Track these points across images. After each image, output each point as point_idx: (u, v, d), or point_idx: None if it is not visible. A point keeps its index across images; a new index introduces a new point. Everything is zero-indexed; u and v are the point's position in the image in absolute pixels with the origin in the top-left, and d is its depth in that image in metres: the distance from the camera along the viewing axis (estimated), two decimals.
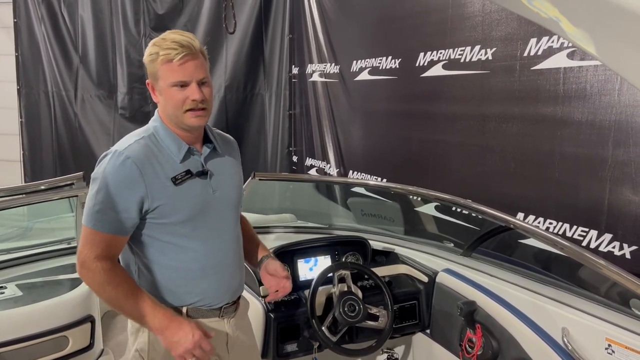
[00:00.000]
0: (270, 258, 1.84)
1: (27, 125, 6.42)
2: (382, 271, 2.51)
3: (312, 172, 6.20)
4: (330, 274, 2.25)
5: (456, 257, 2.45)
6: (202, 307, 1.62)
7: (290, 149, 6.64)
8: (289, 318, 2.21)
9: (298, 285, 2.36)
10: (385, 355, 2.59)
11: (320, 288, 2.25)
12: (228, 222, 1.67)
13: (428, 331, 2.46)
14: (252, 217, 3.46)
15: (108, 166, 1.50)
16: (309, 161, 6.27)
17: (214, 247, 1.62)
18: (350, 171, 5.46)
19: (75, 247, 2.63)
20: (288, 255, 2.39)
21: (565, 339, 1.82)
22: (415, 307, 2.43)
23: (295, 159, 6.59)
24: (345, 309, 2.16)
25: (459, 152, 3.98)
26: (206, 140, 1.66)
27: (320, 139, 5.99)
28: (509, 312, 2.03)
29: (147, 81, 1.61)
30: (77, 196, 2.24)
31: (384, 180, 4.86)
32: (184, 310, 1.60)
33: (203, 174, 1.59)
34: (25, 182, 6.51)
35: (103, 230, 1.48)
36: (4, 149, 6.50)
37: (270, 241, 2.77)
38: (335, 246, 2.50)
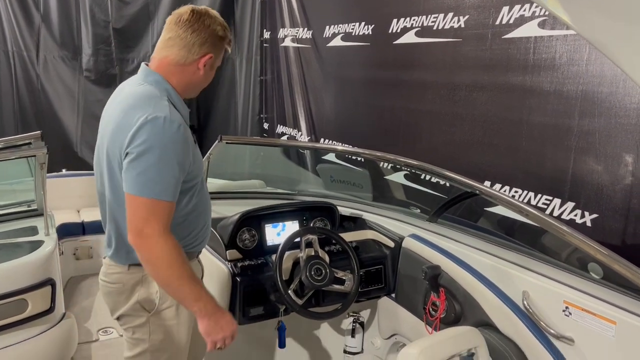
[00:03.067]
0: None
1: None
2: (349, 236, 2.52)
3: (284, 139, 6.16)
4: (298, 239, 2.24)
5: (422, 223, 2.47)
6: (191, 251, 1.71)
7: (261, 115, 6.56)
8: (255, 282, 2.20)
9: (265, 250, 2.36)
10: (350, 319, 2.62)
11: (287, 253, 2.24)
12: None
13: (393, 295, 2.49)
14: (220, 183, 3.45)
15: (166, 133, 1.47)
16: (280, 128, 6.22)
17: (206, 198, 1.76)
18: (322, 139, 5.44)
19: (35, 210, 2.56)
20: (255, 220, 2.37)
21: (525, 302, 1.87)
22: (381, 272, 2.45)
23: (266, 126, 6.52)
24: (312, 272, 2.16)
25: (430, 120, 4.00)
26: None
27: (291, 106, 5.93)
28: (472, 276, 2.07)
29: (208, 54, 1.61)
30: (34, 156, 2.17)
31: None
32: (196, 252, 1.76)
33: (194, 130, 1.77)
34: None
35: (167, 199, 1.48)
36: None
37: (238, 207, 2.75)
38: (303, 211, 2.49)
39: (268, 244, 2.39)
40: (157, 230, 1.46)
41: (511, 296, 1.95)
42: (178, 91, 1.62)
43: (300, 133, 5.79)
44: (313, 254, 2.24)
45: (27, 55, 6.02)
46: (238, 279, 2.17)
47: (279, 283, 2.11)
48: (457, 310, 2.13)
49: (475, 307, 2.05)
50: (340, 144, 5.11)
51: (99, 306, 3.35)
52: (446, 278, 2.16)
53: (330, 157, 3.78)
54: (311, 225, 2.49)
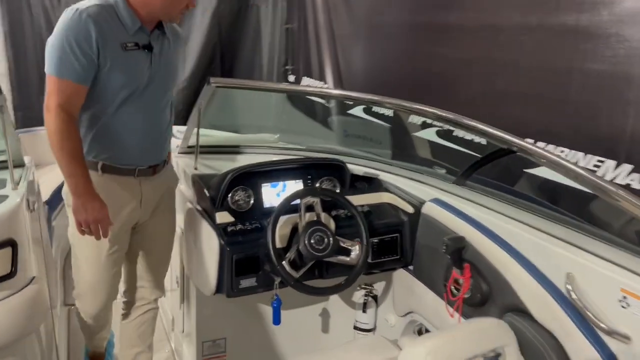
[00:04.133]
0: None
1: (10, 37, 5.94)
2: (361, 199, 2.18)
3: None
4: (297, 201, 1.91)
5: (448, 186, 2.09)
6: (117, 164, 1.82)
7: (287, 67, 6.15)
8: (247, 249, 1.90)
9: (262, 213, 2.04)
10: (362, 292, 2.31)
11: (285, 217, 1.92)
12: (157, 100, 1.85)
13: (411, 267, 2.15)
14: (224, 136, 3.14)
15: (67, 21, 1.64)
16: (305, 81, 5.82)
17: (139, 117, 1.80)
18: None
19: (3, 162, 2.30)
20: (251, 178, 2.05)
21: (569, 287, 1.50)
22: (397, 241, 2.11)
23: (291, 78, 6.12)
24: (312, 240, 1.84)
25: (468, 69, 3.53)
26: (159, 27, 1.83)
27: (317, 56, 5.51)
28: (504, 250, 1.70)
29: None
30: None
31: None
32: (100, 164, 1.81)
33: (149, 48, 1.78)
34: (13, 95, 6.13)
35: (64, 77, 1.64)
36: None
37: (239, 164, 2.44)
38: (309, 169, 2.15)
39: (265, 206, 2.07)
40: (54, 105, 1.63)
41: (552, 278, 1.57)
42: (136, 7, 1.73)
43: (326, 86, 5.39)
44: (315, 219, 1.91)
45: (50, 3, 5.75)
46: (226, 246, 1.87)
47: (271, 252, 1.80)
48: (484, 290, 1.77)
49: (506, 288, 1.69)
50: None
51: None
52: (472, 252, 1.80)
53: (350, 110, 3.36)
54: (317, 185, 2.15)
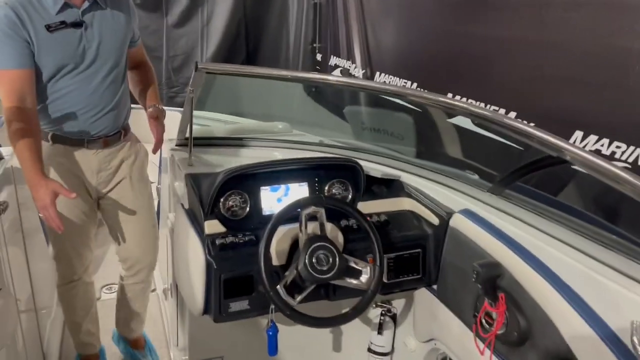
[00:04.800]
0: (154, 107, 2.00)
1: None
2: (379, 205, 1.86)
3: (337, 72, 5.43)
4: (298, 211, 1.61)
5: (482, 194, 1.74)
6: (66, 135, 1.90)
7: (314, 45, 5.80)
8: (238, 267, 1.61)
9: (259, 221, 1.75)
10: (378, 310, 2.01)
11: (285, 227, 1.62)
12: (101, 72, 1.88)
13: (435, 287, 1.83)
14: (230, 128, 2.84)
15: None
16: (333, 60, 5.48)
17: (80, 90, 1.85)
18: (378, 73, 4.68)
19: None
20: (247, 180, 1.75)
21: (635, 340, 1.16)
22: (418, 258, 1.78)
23: (319, 57, 5.78)
24: (314, 260, 1.54)
25: (510, 50, 3.13)
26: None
27: (346, 34, 5.16)
28: (549, 283, 1.36)
29: None
30: None
31: (414, 85, 4.07)
32: (50, 134, 1.89)
33: (78, 24, 1.79)
34: None
35: (4, 67, 1.71)
36: None
37: (242, 159, 2.15)
38: (317, 170, 1.84)
39: (264, 214, 1.77)
40: (5, 104, 1.72)
41: (612, 325, 1.23)
42: None
43: (354, 66, 5.04)
44: (319, 232, 1.61)
45: None
46: (214, 263, 1.59)
47: (263, 274, 1.50)
48: (522, 327, 1.44)
49: (550, 328, 1.36)
50: (397, 79, 4.33)
51: (110, 258, 2.93)
52: (509, 280, 1.47)
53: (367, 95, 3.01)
54: (326, 188, 1.84)
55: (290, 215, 1.59)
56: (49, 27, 1.73)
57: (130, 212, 2.07)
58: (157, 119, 1.97)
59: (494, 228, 1.57)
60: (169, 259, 2.33)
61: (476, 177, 1.82)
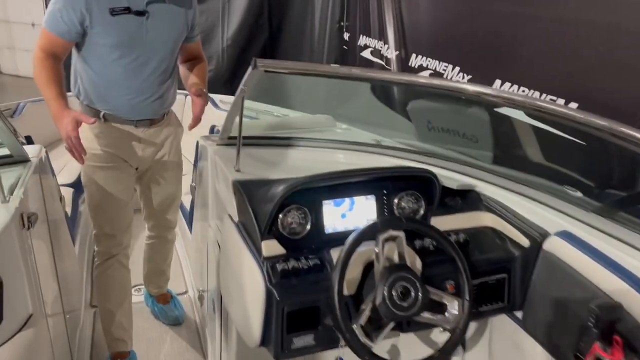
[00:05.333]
0: (198, 87, 2.07)
1: None
2: (454, 221, 1.63)
3: (366, 53, 5.14)
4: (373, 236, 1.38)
5: (585, 215, 1.50)
6: (117, 115, 2.03)
7: (342, 24, 5.49)
8: (303, 296, 1.39)
9: (322, 240, 1.53)
10: (446, 334, 1.79)
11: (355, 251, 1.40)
12: (152, 62, 1.97)
13: (519, 315, 1.61)
14: (271, 121, 2.60)
15: None
16: (362, 40, 5.17)
17: (133, 75, 1.96)
18: (414, 55, 4.38)
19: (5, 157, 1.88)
20: (307, 192, 1.52)
21: None
22: (503, 284, 1.55)
23: (346, 36, 5.47)
24: (393, 293, 1.31)
25: (571, 33, 2.84)
26: None
27: (377, 11, 4.85)
28: None
29: None
30: None
31: (456, 70, 3.78)
32: (102, 113, 2.01)
33: (141, 13, 1.88)
34: None
35: (49, 30, 1.86)
36: None
37: (289, 162, 1.92)
38: (385, 181, 1.60)
39: (327, 231, 1.55)
40: (37, 47, 1.87)
41: None
42: None
43: (386, 46, 4.74)
44: (397, 260, 1.38)
45: None
46: (276, 293, 1.37)
47: (338, 313, 1.28)
48: None
49: None
50: (437, 62, 4.05)
51: (138, 255, 2.75)
52: (628, 324, 1.24)
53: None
54: (395, 201, 1.60)
55: (365, 239, 1.36)
56: (112, 11, 1.83)
57: (162, 182, 2.28)
58: (200, 97, 2.04)
59: (606, 258, 1.33)
60: (209, 267, 2.14)
61: (579, 194, 1.56)
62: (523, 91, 3.12)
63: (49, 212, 1.99)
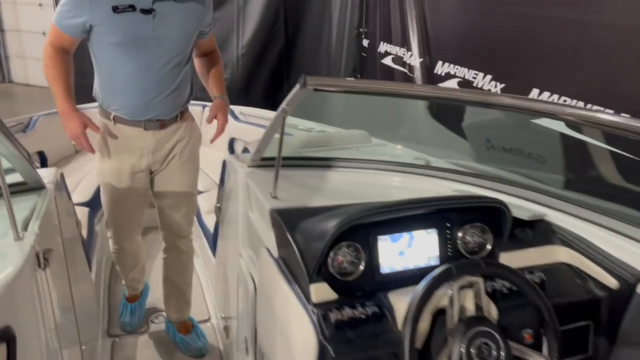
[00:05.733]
0: (217, 98, 2.14)
1: None
2: (525, 257, 1.43)
3: (387, 60, 4.95)
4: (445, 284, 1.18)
5: None
6: (125, 116, 2.03)
7: (361, 30, 5.30)
8: (362, 352, 1.20)
9: (377, 282, 1.33)
10: None
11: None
12: (162, 59, 1.95)
13: None
14: (304, 137, 2.41)
15: None
16: (383, 47, 4.99)
17: (141, 74, 1.95)
18: (440, 62, 4.19)
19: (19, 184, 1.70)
20: (360, 230, 1.33)
21: None
22: (588, 331, 1.35)
23: (366, 43, 5.29)
24: (472, 351, 1.12)
25: (611, 39, 2.64)
26: None
27: (400, 16, 4.66)
28: None
29: None
30: None
31: (487, 77, 3.58)
32: (112, 115, 2.04)
33: (147, 11, 1.85)
34: None
35: (57, 26, 1.91)
36: None
37: (326, 184, 1.74)
38: (448, 213, 1.40)
39: (383, 271, 1.35)
40: (46, 42, 1.94)
41: None
42: None
43: (409, 53, 4.55)
44: (473, 311, 1.18)
45: None
46: (331, 350, 1.17)
47: None
48: None
49: None
50: (465, 69, 3.85)
51: (157, 279, 2.58)
52: None
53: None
54: (459, 235, 1.40)
55: (437, 287, 1.17)
56: (115, 8, 1.81)
57: (175, 186, 2.22)
58: (221, 110, 2.08)
59: None
60: (239, 300, 1.95)
61: None
62: (564, 100, 2.92)
63: (65, 242, 1.81)
